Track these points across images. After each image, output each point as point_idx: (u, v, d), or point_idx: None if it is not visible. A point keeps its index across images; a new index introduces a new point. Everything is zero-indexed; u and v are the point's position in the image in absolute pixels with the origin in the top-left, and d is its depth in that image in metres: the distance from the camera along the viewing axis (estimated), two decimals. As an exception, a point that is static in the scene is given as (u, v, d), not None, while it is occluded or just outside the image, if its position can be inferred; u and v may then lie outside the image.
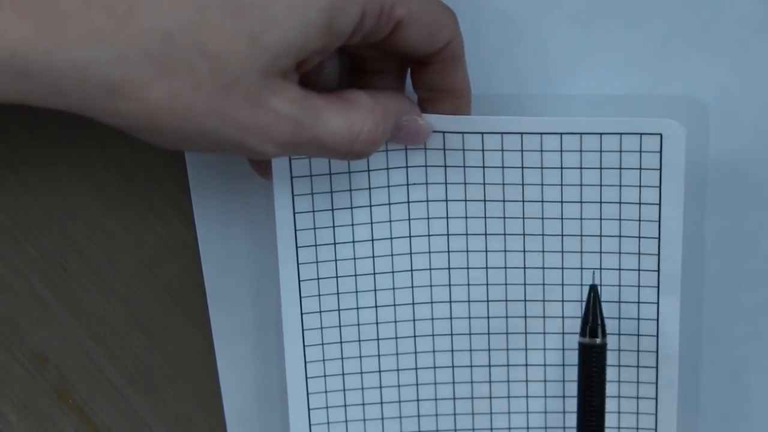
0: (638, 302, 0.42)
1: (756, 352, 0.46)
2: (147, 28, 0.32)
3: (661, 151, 0.41)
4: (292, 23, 0.33)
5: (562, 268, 0.42)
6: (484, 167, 0.41)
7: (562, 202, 0.42)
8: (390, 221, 0.42)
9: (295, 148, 0.36)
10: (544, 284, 0.42)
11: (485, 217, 0.42)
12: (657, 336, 0.42)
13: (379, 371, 0.44)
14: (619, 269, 0.42)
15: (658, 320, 0.42)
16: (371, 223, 0.42)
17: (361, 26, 0.35)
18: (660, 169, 0.41)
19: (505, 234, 0.42)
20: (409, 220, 0.42)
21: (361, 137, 0.37)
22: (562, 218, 0.42)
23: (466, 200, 0.42)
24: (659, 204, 0.41)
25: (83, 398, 0.47)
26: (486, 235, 0.42)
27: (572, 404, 0.43)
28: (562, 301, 0.43)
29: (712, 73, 0.43)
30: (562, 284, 0.42)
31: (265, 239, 0.45)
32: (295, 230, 0.42)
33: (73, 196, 0.45)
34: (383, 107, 0.38)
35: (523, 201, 0.42)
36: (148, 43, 0.32)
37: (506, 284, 0.43)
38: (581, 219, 0.42)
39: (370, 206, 0.42)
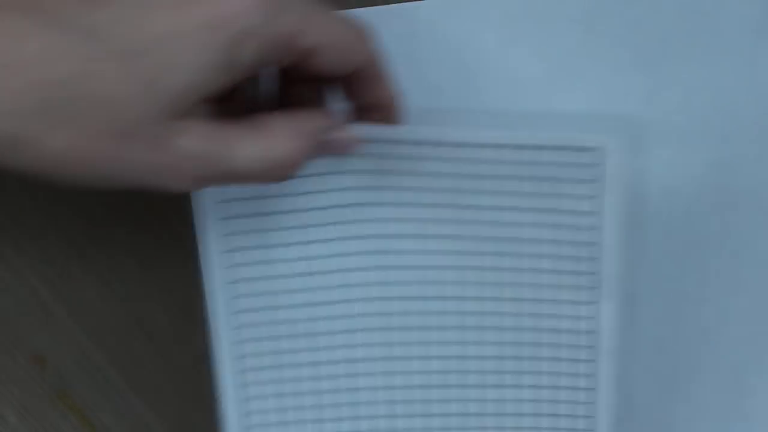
0: (576, 302, 0.43)
1: (755, 353, 0.46)
2: (38, 79, 0.31)
3: (598, 165, 0.41)
4: (189, 65, 0.33)
5: (499, 269, 0.43)
6: (413, 174, 0.42)
7: (498, 208, 0.42)
8: (321, 225, 0.43)
9: (213, 181, 0.35)
10: (479, 283, 0.43)
11: (418, 220, 0.42)
12: (593, 333, 0.43)
13: (315, 363, 0.44)
14: (558, 271, 0.43)
15: (593, 318, 0.43)
16: (303, 227, 0.43)
17: (264, 59, 0.34)
18: (597, 182, 0.42)
19: (440, 236, 0.43)
20: (338, 223, 0.43)
21: (279, 162, 0.36)
22: (498, 222, 0.42)
23: (397, 204, 0.42)
24: (597, 213, 0.42)
25: (83, 399, 0.47)
26: (420, 237, 0.43)
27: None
28: (501, 299, 0.43)
29: (712, 76, 0.43)
30: (500, 283, 0.43)
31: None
32: (223, 234, 0.43)
33: (73, 197, 0.45)
34: (300, 127, 0.37)
35: (456, 205, 0.42)
36: (39, 94, 0.31)
37: (443, 283, 0.43)
38: (518, 224, 0.42)
39: (302, 210, 0.43)
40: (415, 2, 0.43)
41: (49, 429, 0.48)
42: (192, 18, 0.33)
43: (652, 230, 0.45)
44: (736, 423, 0.47)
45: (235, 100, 0.37)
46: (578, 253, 0.42)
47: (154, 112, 0.33)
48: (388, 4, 0.43)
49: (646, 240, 0.45)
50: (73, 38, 0.32)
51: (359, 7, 0.43)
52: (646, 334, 0.46)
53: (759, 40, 0.43)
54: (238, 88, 0.36)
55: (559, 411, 0.44)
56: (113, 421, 0.48)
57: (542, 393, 0.44)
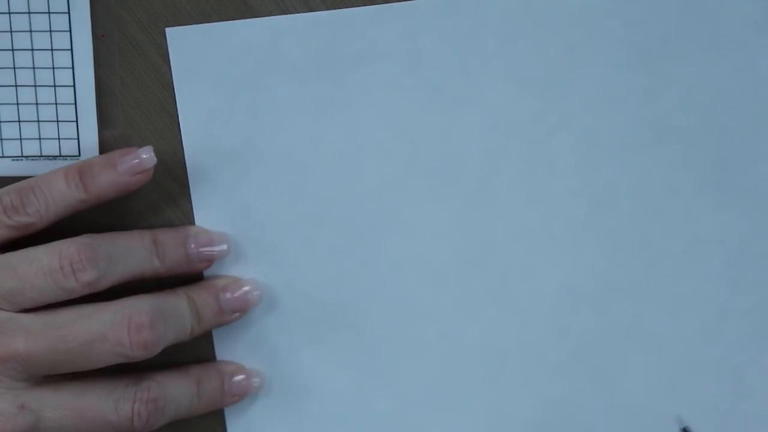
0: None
1: (756, 352, 0.46)
2: None
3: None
4: None
5: None
6: None
7: None
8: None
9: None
10: None
11: None
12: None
13: None
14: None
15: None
16: None
17: None
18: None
19: None
20: None
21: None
22: None
23: None
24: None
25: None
26: None
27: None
28: None
29: (712, 74, 0.43)
30: None
31: (265, 239, 0.45)
32: None
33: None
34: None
35: None
36: None
37: None
38: None
39: None
40: (414, 1, 0.43)
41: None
42: None
43: (651, 229, 0.45)
44: (736, 423, 0.47)
45: None
46: None
47: None
48: (390, 2, 0.43)
49: (646, 239, 0.45)
50: None
51: (362, 6, 0.43)
52: (647, 333, 0.46)
53: (759, 38, 0.43)
54: None
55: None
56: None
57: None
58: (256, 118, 0.44)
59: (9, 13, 0.41)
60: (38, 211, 0.41)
